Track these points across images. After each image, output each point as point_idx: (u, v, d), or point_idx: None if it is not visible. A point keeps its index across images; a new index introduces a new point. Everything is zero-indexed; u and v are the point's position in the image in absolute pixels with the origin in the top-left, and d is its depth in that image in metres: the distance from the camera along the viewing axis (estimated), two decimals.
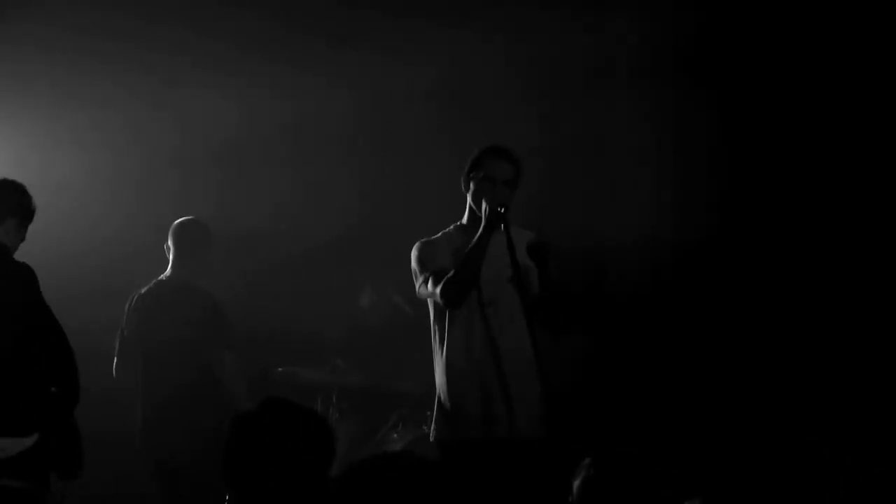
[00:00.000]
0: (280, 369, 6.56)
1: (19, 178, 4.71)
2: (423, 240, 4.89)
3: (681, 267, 6.41)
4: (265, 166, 7.04)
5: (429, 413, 6.35)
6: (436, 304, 4.82)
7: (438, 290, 4.68)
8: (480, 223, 4.71)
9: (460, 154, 5.65)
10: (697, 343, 6.33)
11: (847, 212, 6.21)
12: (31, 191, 4.80)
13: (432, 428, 4.89)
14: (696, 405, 6.23)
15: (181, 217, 5.97)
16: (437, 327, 4.85)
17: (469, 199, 4.85)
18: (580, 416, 5.19)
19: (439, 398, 4.83)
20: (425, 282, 4.77)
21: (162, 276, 5.91)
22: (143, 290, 5.89)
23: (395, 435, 6.26)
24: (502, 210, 4.63)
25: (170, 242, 5.91)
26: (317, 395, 6.49)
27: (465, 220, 4.89)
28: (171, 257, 5.91)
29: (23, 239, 4.72)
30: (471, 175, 4.83)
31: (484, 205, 4.68)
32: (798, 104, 6.33)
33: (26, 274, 4.55)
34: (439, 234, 4.90)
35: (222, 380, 5.68)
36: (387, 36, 6.81)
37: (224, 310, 5.82)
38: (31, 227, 4.77)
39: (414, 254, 4.86)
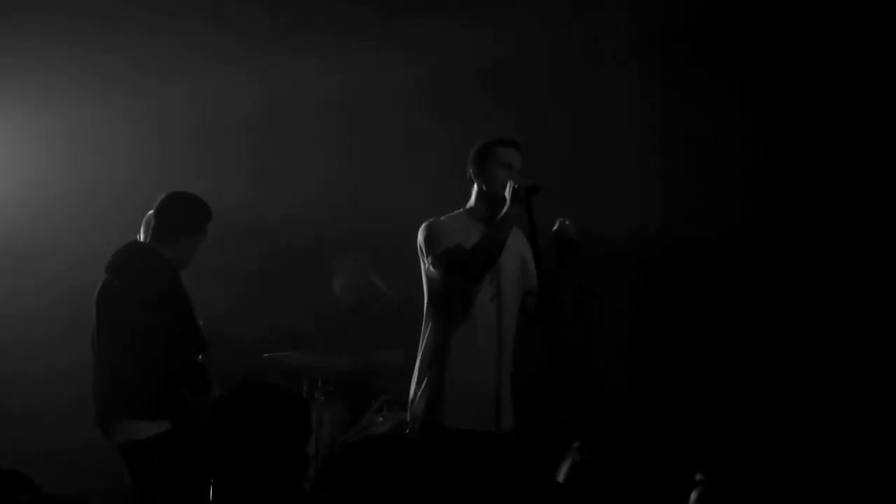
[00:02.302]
0: (266, 355, 6.60)
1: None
2: (429, 220, 4.88)
3: (677, 262, 6.47)
4: (241, 151, 7.08)
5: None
6: (439, 290, 4.82)
7: (459, 265, 4.69)
8: (488, 207, 4.81)
9: (440, 142, 5.68)
10: (698, 339, 6.41)
11: (856, 209, 6.23)
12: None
13: (417, 408, 4.84)
14: (695, 400, 6.32)
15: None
16: (436, 313, 4.84)
17: (479, 185, 4.89)
18: (571, 413, 5.19)
19: (429, 382, 4.80)
20: (437, 260, 4.76)
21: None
22: None
23: (381, 418, 6.32)
24: (537, 190, 4.64)
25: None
26: (302, 380, 6.55)
27: (472, 204, 4.94)
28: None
29: (194, 253, 5.08)
30: (483, 161, 4.87)
31: (510, 184, 4.67)
32: (810, 93, 6.30)
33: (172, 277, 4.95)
34: (444, 217, 4.91)
35: None
36: (374, 24, 6.86)
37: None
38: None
39: (422, 234, 4.86)
